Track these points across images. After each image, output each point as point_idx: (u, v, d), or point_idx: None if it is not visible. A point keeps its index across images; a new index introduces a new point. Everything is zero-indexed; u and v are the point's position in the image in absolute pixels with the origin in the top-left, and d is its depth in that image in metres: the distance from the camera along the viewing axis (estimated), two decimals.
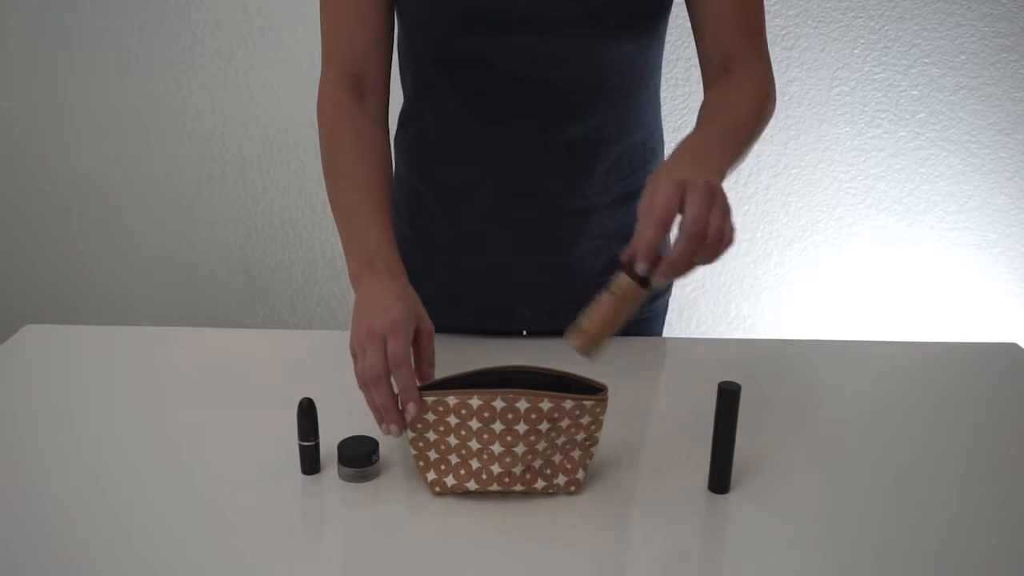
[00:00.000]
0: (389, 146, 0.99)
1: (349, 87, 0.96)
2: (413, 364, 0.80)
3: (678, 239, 0.70)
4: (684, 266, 0.71)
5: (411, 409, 0.77)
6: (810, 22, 1.93)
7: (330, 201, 0.93)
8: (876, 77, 1.98)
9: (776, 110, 2.18)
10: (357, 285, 0.85)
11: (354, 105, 0.96)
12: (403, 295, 0.82)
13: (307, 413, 0.82)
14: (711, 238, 0.70)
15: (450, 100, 1.00)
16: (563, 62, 0.95)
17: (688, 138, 0.84)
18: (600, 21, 0.92)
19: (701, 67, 0.99)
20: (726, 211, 0.72)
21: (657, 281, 0.71)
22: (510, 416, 0.76)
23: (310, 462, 0.84)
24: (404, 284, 0.85)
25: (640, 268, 0.71)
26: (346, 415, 0.91)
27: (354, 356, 0.81)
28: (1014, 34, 1.93)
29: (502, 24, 0.92)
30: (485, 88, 0.97)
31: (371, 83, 0.97)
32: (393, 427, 0.79)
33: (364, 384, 0.79)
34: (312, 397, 0.83)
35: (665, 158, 0.90)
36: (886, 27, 1.93)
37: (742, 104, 0.90)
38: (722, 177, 0.79)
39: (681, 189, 0.71)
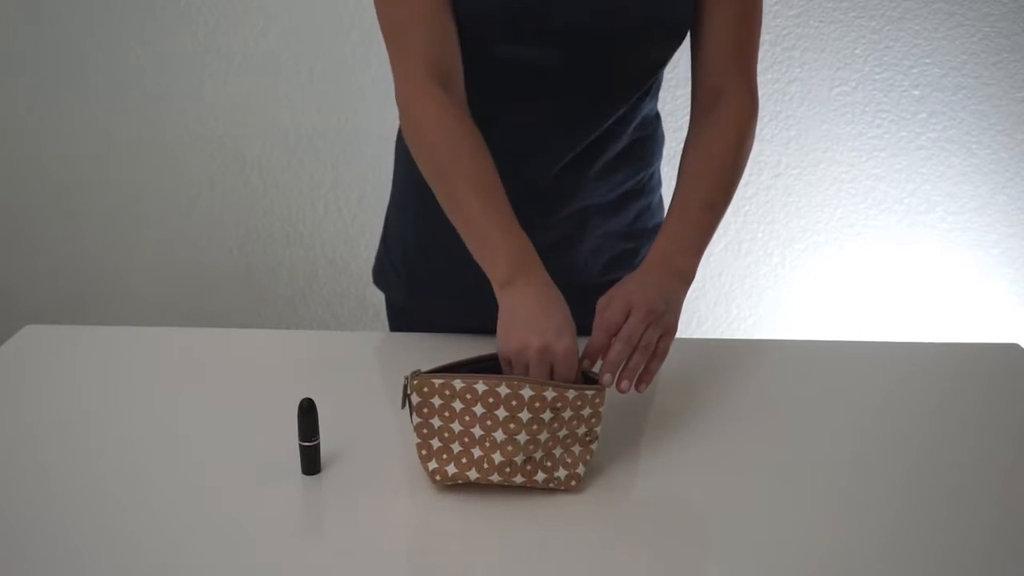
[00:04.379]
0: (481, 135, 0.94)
1: (438, 80, 0.90)
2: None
3: (613, 343, 0.82)
4: (616, 365, 0.81)
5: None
6: (811, 22, 1.93)
7: (447, 202, 0.89)
8: (877, 77, 1.98)
9: (777, 110, 2.18)
10: (507, 288, 0.84)
11: (449, 98, 0.91)
12: (560, 301, 0.83)
13: (307, 413, 0.82)
14: (641, 348, 0.82)
15: (475, 103, 0.99)
16: (597, 69, 0.95)
17: (666, 226, 0.92)
18: (642, 31, 0.93)
19: (692, 90, 1.00)
20: (665, 331, 0.85)
21: (604, 379, 0.81)
22: (514, 403, 0.76)
23: (310, 462, 0.84)
24: (559, 295, 0.84)
25: (585, 364, 0.82)
26: (347, 415, 0.92)
27: (508, 363, 0.81)
28: (1015, 34, 1.93)
29: (528, 29, 0.91)
30: (503, 88, 0.97)
31: (456, 71, 0.92)
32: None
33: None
34: (312, 397, 0.83)
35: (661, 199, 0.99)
36: (887, 27, 1.93)
37: (724, 155, 0.96)
38: (693, 267, 0.91)
39: (627, 310, 0.83)
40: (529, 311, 0.81)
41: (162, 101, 2.07)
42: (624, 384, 0.82)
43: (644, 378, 0.83)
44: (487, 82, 0.97)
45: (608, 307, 0.84)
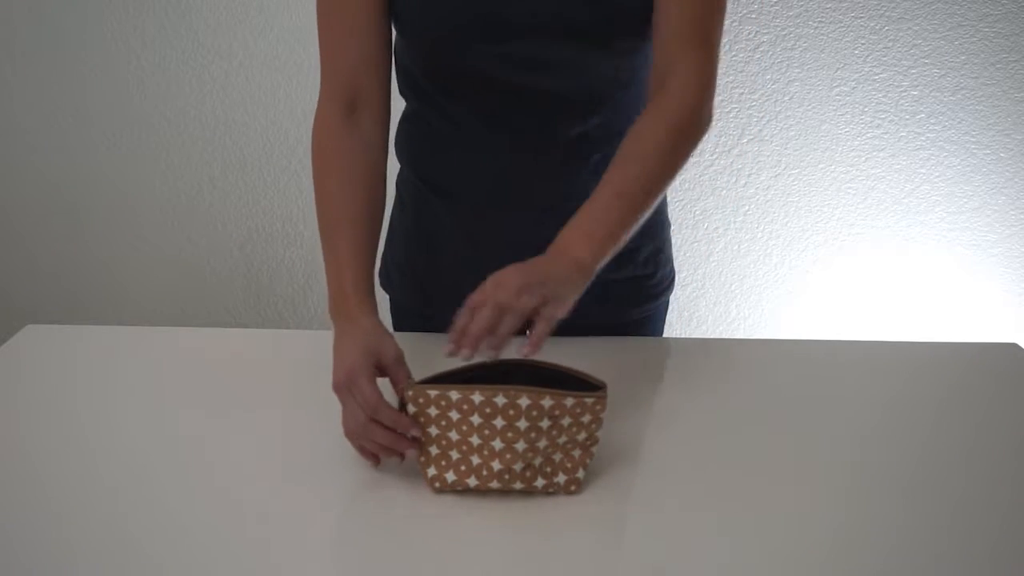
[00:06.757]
0: (379, 165, 0.97)
1: (342, 105, 0.95)
2: (395, 389, 0.81)
3: (477, 312, 0.78)
4: (468, 332, 0.77)
5: (405, 447, 0.80)
6: (810, 22, 1.93)
7: (318, 223, 0.94)
8: (876, 77, 1.98)
9: (777, 110, 2.17)
10: (335, 331, 0.87)
11: (344, 126, 0.95)
12: (356, 336, 0.83)
13: None
14: (513, 312, 0.77)
15: (449, 105, 1.00)
16: (558, 69, 0.95)
17: (576, 214, 0.88)
18: (590, 32, 0.92)
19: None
20: (545, 300, 0.78)
21: (446, 348, 0.78)
22: (511, 412, 0.76)
23: None
24: (360, 324, 0.85)
25: (448, 348, 0.78)
26: None
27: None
28: (1014, 34, 1.93)
29: (493, 33, 0.92)
30: (480, 95, 0.97)
31: (367, 98, 0.96)
32: (408, 452, 0.80)
33: (353, 436, 0.81)
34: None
35: None
36: (886, 27, 1.93)
37: (652, 142, 0.90)
38: (590, 258, 0.85)
39: (495, 286, 0.78)
40: (334, 361, 0.83)
41: (162, 101, 2.07)
42: (492, 352, 0.77)
43: (531, 342, 0.77)
44: (470, 91, 0.98)
45: (480, 289, 0.81)
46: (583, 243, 0.85)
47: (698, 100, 0.92)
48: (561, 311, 0.80)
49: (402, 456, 0.81)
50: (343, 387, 0.81)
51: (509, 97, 0.97)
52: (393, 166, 1.13)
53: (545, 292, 0.79)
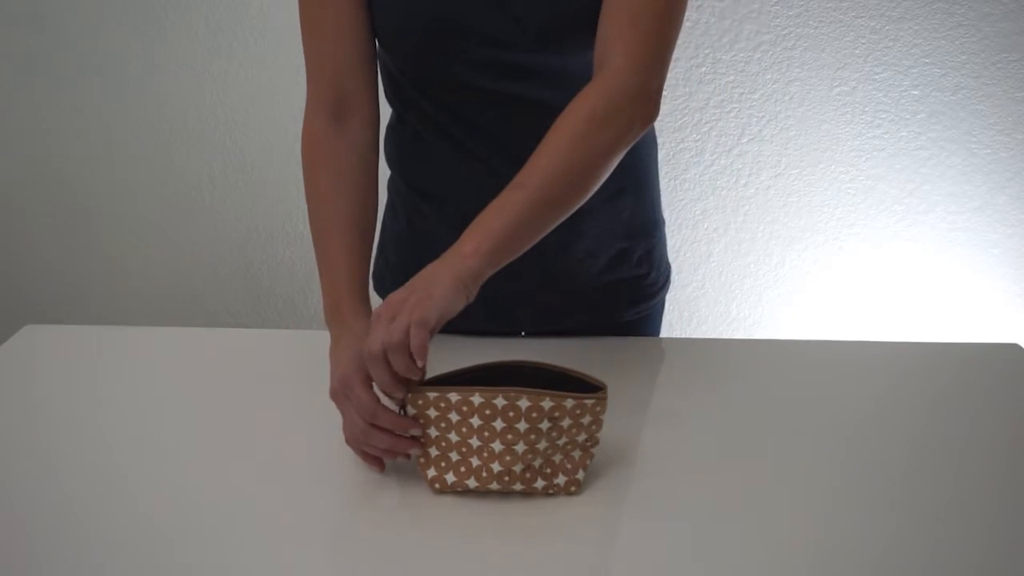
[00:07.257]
0: (370, 167, 0.97)
1: (328, 111, 0.95)
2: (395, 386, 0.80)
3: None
4: (388, 387, 0.77)
5: (407, 447, 0.80)
6: (810, 22, 1.93)
7: (311, 230, 0.95)
8: (877, 77, 1.98)
9: (777, 110, 2.16)
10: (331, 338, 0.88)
11: (331, 132, 0.95)
12: (350, 342, 0.83)
13: None
14: (392, 348, 0.75)
15: (430, 111, 1.00)
16: (531, 75, 0.94)
17: (479, 219, 0.83)
18: (557, 39, 0.92)
19: None
20: (411, 320, 0.75)
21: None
22: (511, 414, 0.76)
23: None
24: (354, 330, 0.85)
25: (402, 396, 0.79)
26: None
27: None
28: (1015, 34, 1.93)
29: (464, 40, 0.92)
30: (458, 101, 0.97)
31: (354, 102, 0.96)
32: (412, 451, 0.80)
33: (354, 442, 0.82)
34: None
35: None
36: (887, 27, 1.93)
37: (562, 133, 0.85)
38: (474, 251, 0.80)
39: (372, 326, 0.77)
40: (331, 361, 0.84)
41: (162, 101, 2.07)
42: (415, 376, 0.76)
43: (418, 353, 0.74)
44: (453, 98, 0.97)
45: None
46: (470, 237, 0.81)
47: (625, 82, 0.85)
48: (433, 314, 0.76)
49: (407, 456, 0.81)
50: (339, 394, 0.81)
51: (494, 105, 0.96)
52: (384, 170, 1.13)
53: (410, 307, 0.76)
